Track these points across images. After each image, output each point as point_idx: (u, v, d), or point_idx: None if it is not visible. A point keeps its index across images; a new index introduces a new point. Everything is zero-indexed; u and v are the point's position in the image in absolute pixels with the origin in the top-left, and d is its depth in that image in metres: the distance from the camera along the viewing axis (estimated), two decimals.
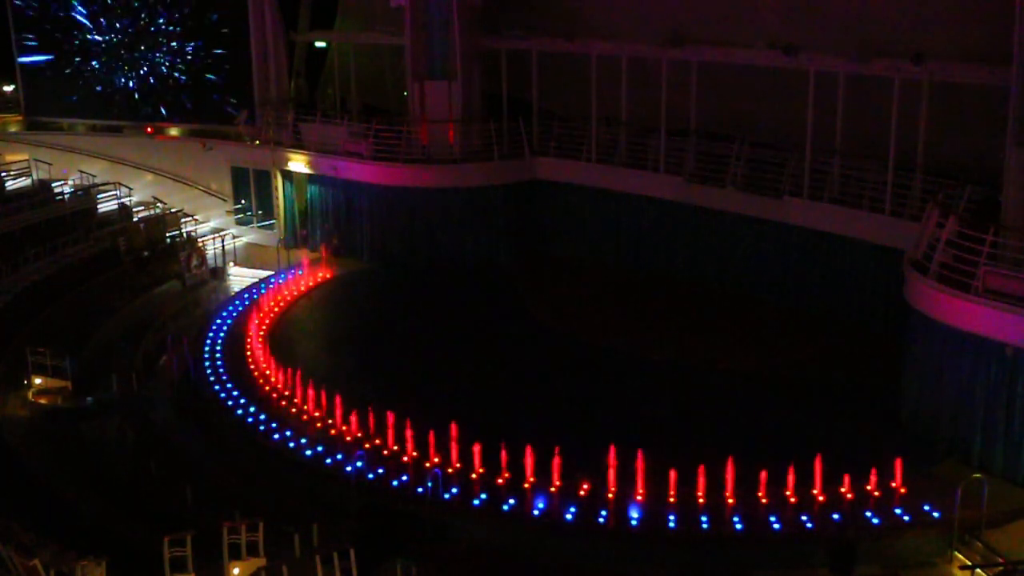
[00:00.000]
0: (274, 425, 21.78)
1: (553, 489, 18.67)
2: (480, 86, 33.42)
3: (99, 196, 35.72)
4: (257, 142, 35.31)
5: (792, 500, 18.11)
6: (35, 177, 36.28)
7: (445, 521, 18.30)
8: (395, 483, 19.27)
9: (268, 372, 24.27)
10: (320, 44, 37.00)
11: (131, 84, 37.97)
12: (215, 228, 35.78)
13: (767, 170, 28.00)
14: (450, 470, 19.34)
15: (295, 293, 30.16)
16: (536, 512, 18.17)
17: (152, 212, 35.68)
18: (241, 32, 35.49)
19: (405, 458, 19.91)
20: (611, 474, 18.59)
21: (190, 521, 17.02)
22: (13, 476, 19.91)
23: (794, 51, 26.50)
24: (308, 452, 20.66)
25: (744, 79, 29.44)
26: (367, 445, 20.41)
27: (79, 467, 20.96)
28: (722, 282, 29.61)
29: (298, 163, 34.10)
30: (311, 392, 22.22)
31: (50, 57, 38.82)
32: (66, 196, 35.19)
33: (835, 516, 17.71)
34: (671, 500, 18.13)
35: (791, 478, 18.22)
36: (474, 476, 19.17)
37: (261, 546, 15.98)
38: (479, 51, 33.18)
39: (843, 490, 18.24)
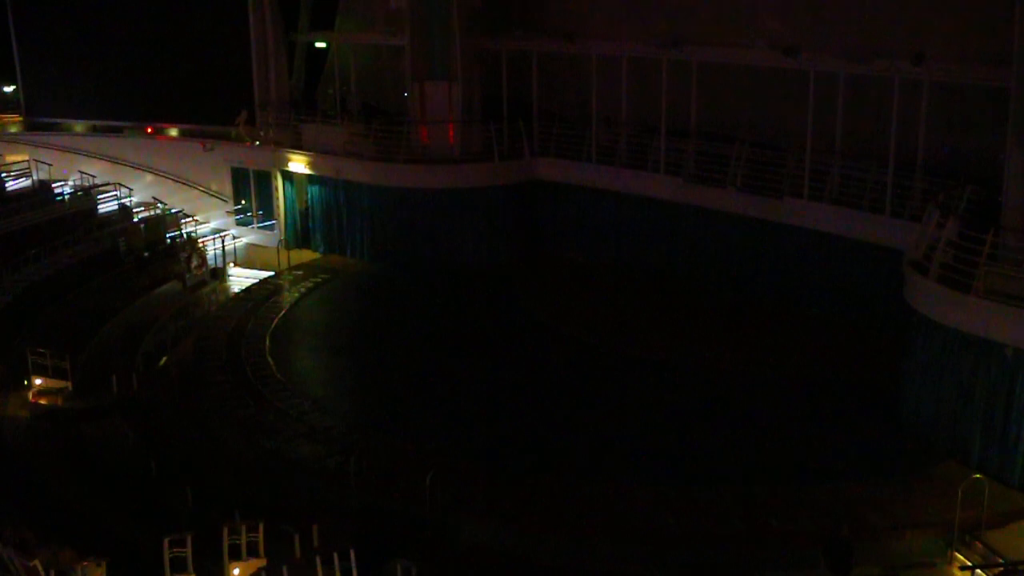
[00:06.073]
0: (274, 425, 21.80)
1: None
2: (480, 87, 33.43)
3: (99, 196, 35.70)
4: (257, 143, 35.30)
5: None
6: (35, 177, 36.28)
7: (445, 521, 18.30)
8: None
9: (268, 372, 24.25)
10: (320, 44, 37.01)
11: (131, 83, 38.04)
12: (215, 229, 35.78)
13: (767, 170, 27.98)
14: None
15: (296, 293, 30.14)
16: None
17: (152, 213, 35.67)
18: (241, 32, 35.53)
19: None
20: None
21: (190, 521, 17.02)
22: (13, 476, 19.90)
23: (794, 51, 26.50)
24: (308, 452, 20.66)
25: (744, 79, 29.45)
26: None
27: (79, 467, 20.94)
28: (722, 282, 29.57)
29: (298, 164, 34.08)
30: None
31: None
32: (66, 196, 35.18)
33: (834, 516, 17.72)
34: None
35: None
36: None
37: (261, 546, 15.99)
38: (479, 52, 33.18)
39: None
